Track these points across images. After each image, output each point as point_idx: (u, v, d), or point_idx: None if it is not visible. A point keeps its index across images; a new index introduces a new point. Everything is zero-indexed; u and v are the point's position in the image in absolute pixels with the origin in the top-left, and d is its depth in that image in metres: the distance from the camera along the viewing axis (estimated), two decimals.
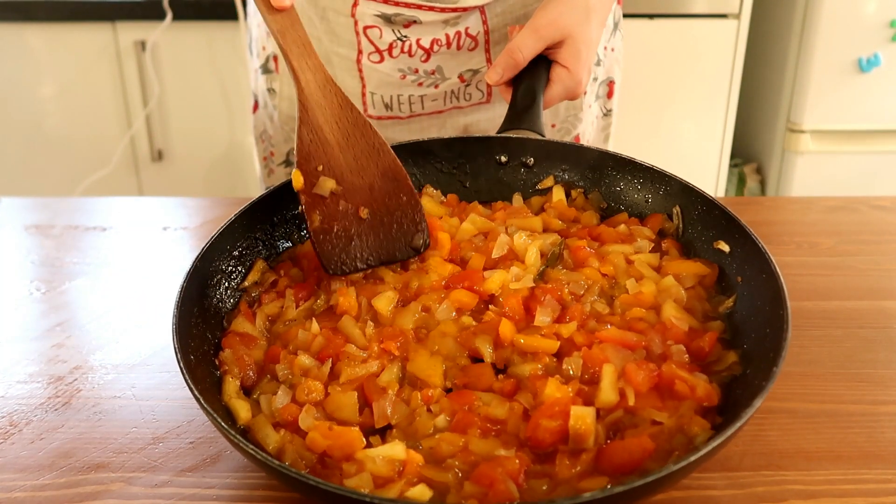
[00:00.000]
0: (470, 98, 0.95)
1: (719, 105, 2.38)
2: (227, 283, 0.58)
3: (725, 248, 0.59)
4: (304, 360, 0.51)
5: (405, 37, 0.87)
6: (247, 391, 0.51)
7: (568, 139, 1.04)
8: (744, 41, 2.31)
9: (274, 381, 0.51)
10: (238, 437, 0.42)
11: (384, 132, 0.97)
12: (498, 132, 0.73)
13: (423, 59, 0.89)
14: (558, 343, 0.51)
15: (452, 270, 0.57)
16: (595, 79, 1.03)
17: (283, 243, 0.63)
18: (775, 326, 0.48)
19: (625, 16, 2.17)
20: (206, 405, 0.43)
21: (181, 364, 0.46)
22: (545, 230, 0.63)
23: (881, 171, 2.41)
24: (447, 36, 0.88)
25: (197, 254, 0.55)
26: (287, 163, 1.08)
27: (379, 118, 0.94)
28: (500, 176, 0.70)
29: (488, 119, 0.97)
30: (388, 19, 0.86)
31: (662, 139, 2.38)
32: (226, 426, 0.42)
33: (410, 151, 0.69)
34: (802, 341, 0.67)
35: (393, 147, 0.69)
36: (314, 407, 0.48)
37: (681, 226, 0.63)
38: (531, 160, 0.70)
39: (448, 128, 0.97)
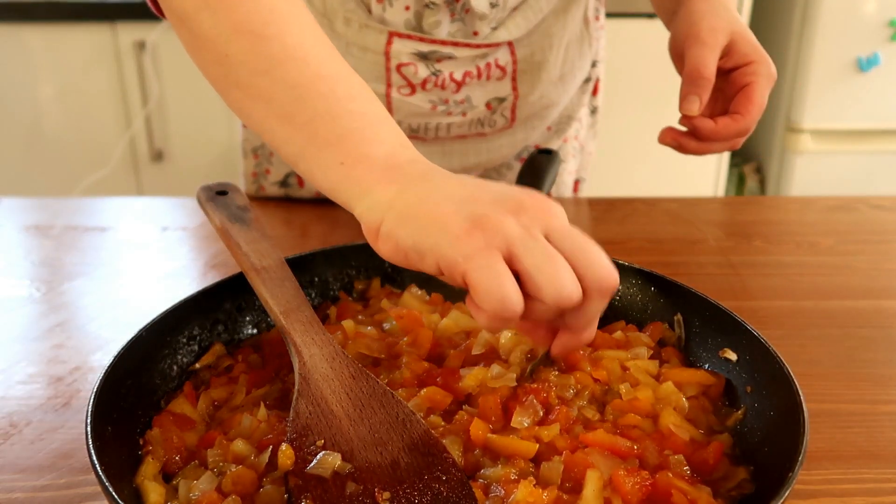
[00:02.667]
0: (494, 124, 0.96)
1: None
2: (173, 361, 0.53)
3: (732, 356, 0.53)
4: (241, 446, 0.45)
5: (439, 71, 0.88)
6: (170, 478, 0.45)
7: (559, 140, 1.06)
8: None
9: (202, 467, 0.45)
10: None
11: None
12: None
13: (454, 90, 0.90)
14: (536, 446, 0.45)
15: (428, 368, 0.52)
16: (588, 79, 1.05)
17: (247, 329, 0.59)
18: (790, 433, 0.43)
19: (625, 15, 2.17)
20: (102, 477, 0.38)
21: (89, 433, 0.41)
22: None
23: (881, 170, 2.41)
24: (478, 68, 0.90)
25: (145, 324, 0.51)
26: (284, 183, 1.06)
27: None
28: None
29: (510, 144, 0.99)
30: (423, 56, 0.87)
31: None
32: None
33: None
34: (802, 341, 0.67)
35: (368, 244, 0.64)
36: (241, 499, 0.41)
37: (683, 335, 0.58)
38: None
39: (470, 153, 0.98)
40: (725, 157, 2.43)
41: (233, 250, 0.54)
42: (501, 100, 0.94)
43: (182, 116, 2.46)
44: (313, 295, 0.63)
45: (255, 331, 0.59)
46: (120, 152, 2.46)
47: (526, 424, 0.46)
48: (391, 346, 0.54)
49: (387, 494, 0.42)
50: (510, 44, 0.90)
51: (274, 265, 0.53)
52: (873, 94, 2.30)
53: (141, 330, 0.50)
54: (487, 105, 0.93)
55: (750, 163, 2.68)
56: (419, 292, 0.63)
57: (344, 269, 0.65)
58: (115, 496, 0.37)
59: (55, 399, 0.57)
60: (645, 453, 0.45)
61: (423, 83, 0.89)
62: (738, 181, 2.67)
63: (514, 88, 0.93)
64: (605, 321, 0.62)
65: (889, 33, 2.24)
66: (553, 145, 1.05)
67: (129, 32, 2.31)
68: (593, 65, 1.04)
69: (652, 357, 0.55)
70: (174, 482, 0.44)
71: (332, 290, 0.64)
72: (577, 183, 1.13)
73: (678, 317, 0.58)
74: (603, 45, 1.07)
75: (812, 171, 2.40)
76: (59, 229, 0.94)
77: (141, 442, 0.46)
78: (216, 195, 0.59)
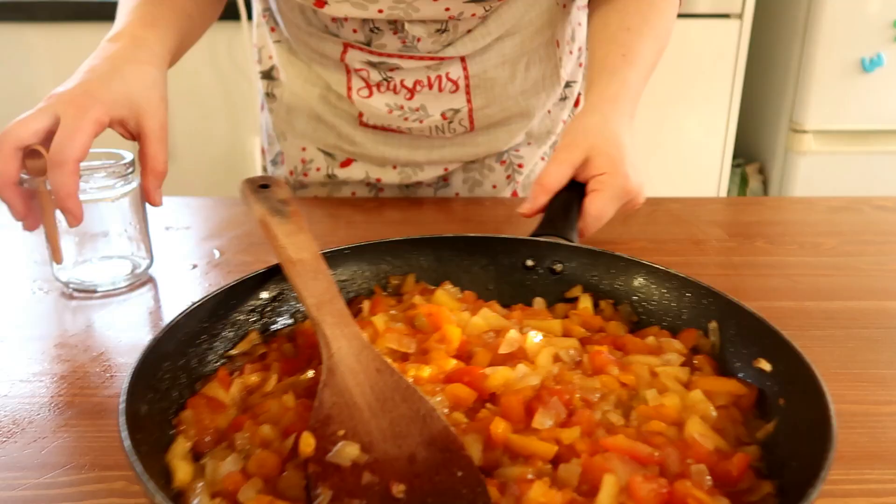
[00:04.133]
0: (454, 132, 1.02)
1: (722, 105, 2.38)
2: (210, 346, 0.54)
3: (767, 366, 0.52)
4: (267, 430, 0.46)
5: (391, 77, 0.95)
6: (201, 458, 0.46)
7: (539, 151, 1.11)
8: (746, 41, 2.31)
9: (229, 449, 0.46)
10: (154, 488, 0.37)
11: (378, 145, 1.03)
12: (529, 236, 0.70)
13: (407, 97, 0.96)
14: (556, 448, 0.45)
15: (456, 365, 0.52)
16: (565, 98, 1.10)
17: (283, 319, 0.60)
18: (818, 447, 0.42)
19: None
20: (132, 451, 0.39)
21: (123, 409, 0.42)
22: (565, 336, 0.58)
23: (884, 171, 2.41)
24: (429, 78, 0.95)
25: (183, 309, 0.52)
26: (273, 162, 1.15)
27: (374, 127, 1.02)
28: (526, 280, 0.66)
29: (473, 144, 1.05)
30: (373, 65, 0.94)
31: (665, 139, 2.38)
32: (147, 480, 0.37)
33: (431, 246, 0.66)
34: (804, 342, 0.66)
35: (410, 239, 0.66)
36: (263, 481, 0.42)
37: (717, 343, 0.57)
38: (559, 266, 0.66)
39: (435, 148, 1.05)
40: (728, 157, 2.43)
41: (271, 242, 0.55)
42: (456, 111, 0.98)
43: (184, 116, 2.46)
44: (348, 288, 0.64)
45: (290, 321, 0.60)
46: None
47: (547, 425, 0.46)
48: (420, 342, 0.55)
49: (402, 487, 0.42)
50: (462, 59, 0.94)
51: (309, 258, 0.54)
52: (877, 94, 2.30)
53: (178, 315, 0.51)
54: (443, 115, 0.98)
55: (753, 163, 2.68)
56: (452, 289, 0.64)
57: (379, 264, 0.65)
58: (142, 470, 0.37)
59: (58, 397, 0.57)
60: (666, 461, 0.44)
61: (378, 85, 0.96)
62: (740, 182, 2.66)
63: (469, 101, 0.98)
64: (639, 326, 0.62)
65: (893, 34, 2.24)
66: (533, 157, 1.11)
67: None
68: (568, 84, 1.09)
69: (684, 364, 0.55)
70: (202, 461, 0.45)
71: (367, 284, 0.65)
72: None
73: (714, 324, 0.58)
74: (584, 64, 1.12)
75: (815, 172, 2.40)
76: None
77: (174, 423, 0.47)
78: (259, 188, 0.60)
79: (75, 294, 0.75)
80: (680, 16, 0.93)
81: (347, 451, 0.43)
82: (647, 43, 0.86)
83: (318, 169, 1.09)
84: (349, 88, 0.97)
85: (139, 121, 0.74)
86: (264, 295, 0.59)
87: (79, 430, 0.53)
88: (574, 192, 0.77)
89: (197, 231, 0.94)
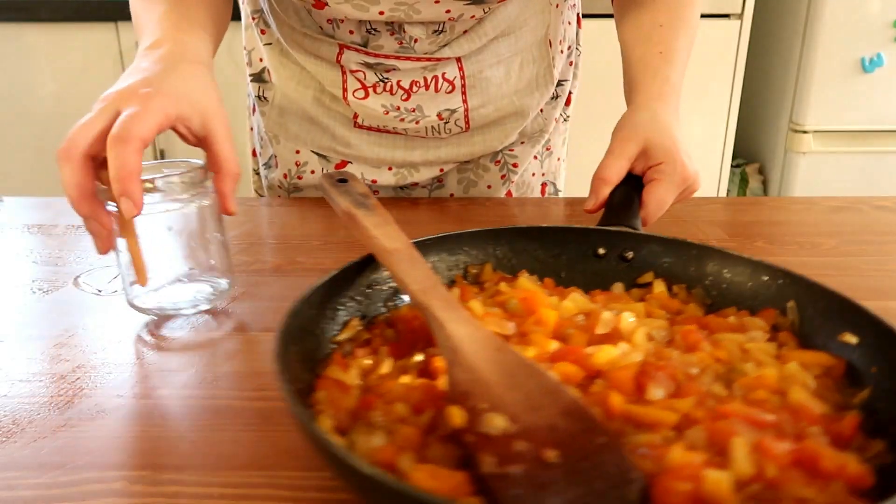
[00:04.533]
0: (450, 132, 1.03)
1: (721, 105, 2.38)
2: (322, 332, 0.56)
3: (853, 339, 0.52)
4: (401, 408, 0.47)
5: (387, 78, 0.96)
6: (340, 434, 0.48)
7: (532, 150, 1.13)
8: (746, 41, 2.31)
9: (368, 426, 0.47)
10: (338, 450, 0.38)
11: (373, 146, 1.05)
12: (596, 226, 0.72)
13: (403, 98, 0.97)
14: (677, 415, 0.45)
15: (558, 346, 0.52)
16: (556, 97, 1.11)
17: (377, 307, 0.61)
18: None
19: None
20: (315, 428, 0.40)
21: (287, 388, 0.43)
22: (648, 318, 0.59)
23: (884, 171, 2.42)
24: (425, 79, 0.96)
25: (299, 297, 0.53)
26: (266, 165, 1.17)
27: (369, 129, 1.03)
28: (598, 268, 0.68)
29: (469, 143, 1.06)
30: (370, 66, 0.94)
31: None
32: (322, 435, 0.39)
33: (506, 236, 0.68)
34: None
35: (481, 231, 0.67)
36: (413, 453, 0.44)
37: (796, 320, 0.58)
38: (630, 254, 0.67)
39: (431, 148, 1.06)
40: (728, 157, 2.43)
41: (361, 233, 0.57)
42: (453, 111, 0.99)
43: None
44: None
45: (384, 309, 0.62)
46: None
47: (661, 396, 0.48)
48: (518, 325, 0.56)
49: (554, 453, 0.43)
50: (458, 59, 0.95)
51: (403, 247, 0.56)
52: (877, 94, 2.31)
53: (296, 303, 0.52)
54: (439, 115, 0.99)
55: (753, 163, 2.69)
56: (531, 277, 0.66)
57: (458, 254, 0.67)
58: (325, 437, 0.38)
59: (57, 397, 0.57)
60: (782, 423, 0.45)
61: (374, 87, 0.96)
62: (740, 182, 2.67)
63: (465, 101, 0.99)
64: (713, 308, 0.63)
65: (892, 34, 2.24)
66: (527, 156, 1.12)
67: (131, 32, 2.31)
68: (560, 83, 1.10)
69: (769, 340, 0.56)
70: (348, 437, 0.46)
71: (449, 273, 0.66)
72: (544, 185, 1.19)
73: (791, 303, 0.59)
74: (578, 62, 1.14)
75: (815, 172, 2.40)
76: (61, 229, 0.94)
77: (311, 403, 0.48)
78: (338, 182, 0.62)
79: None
80: None
81: (496, 422, 0.44)
82: (681, 37, 0.89)
83: (312, 171, 1.08)
84: (344, 90, 0.97)
85: (204, 121, 0.68)
86: (360, 284, 0.60)
87: (79, 430, 0.53)
88: (631, 185, 0.79)
89: None
